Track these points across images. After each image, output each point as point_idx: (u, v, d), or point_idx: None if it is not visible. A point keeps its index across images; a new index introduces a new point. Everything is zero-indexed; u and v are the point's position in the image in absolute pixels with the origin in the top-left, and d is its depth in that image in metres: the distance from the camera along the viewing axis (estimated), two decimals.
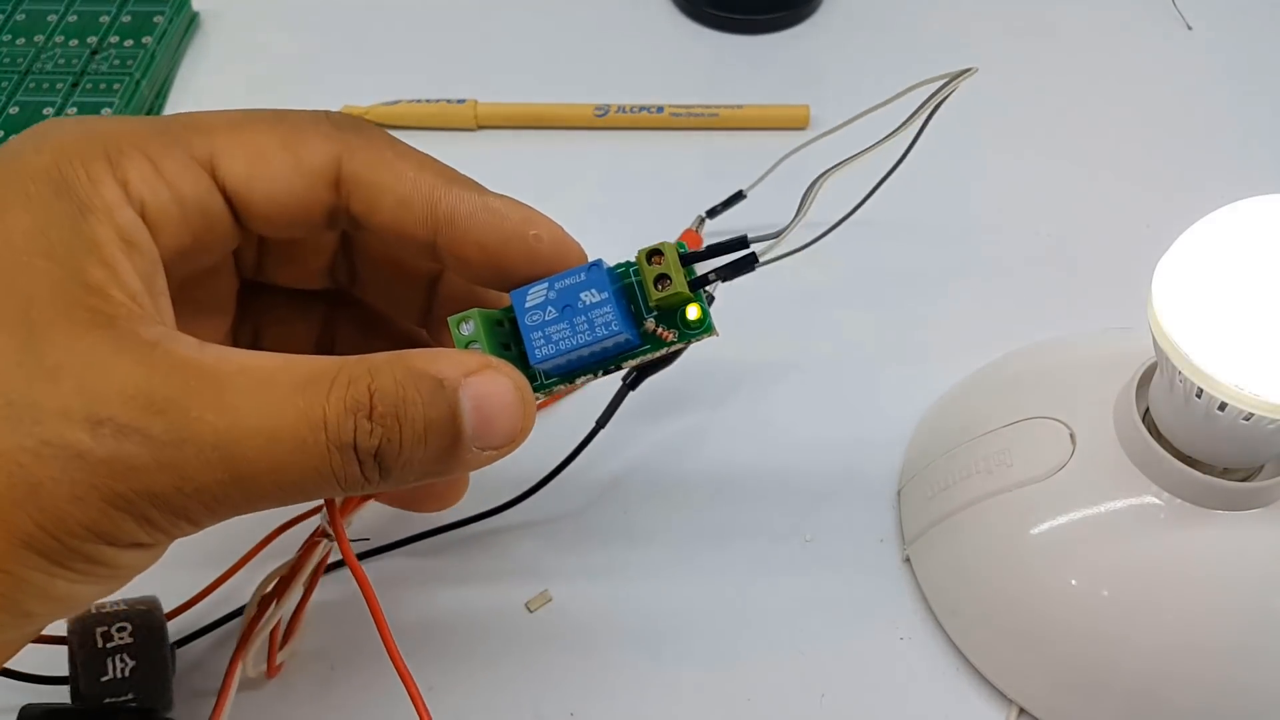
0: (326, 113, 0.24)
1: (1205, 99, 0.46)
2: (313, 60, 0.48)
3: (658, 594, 0.32)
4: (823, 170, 0.23)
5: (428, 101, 0.45)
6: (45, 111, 0.44)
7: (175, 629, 0.30)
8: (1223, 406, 0.25)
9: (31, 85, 0.45)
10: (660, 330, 0.23)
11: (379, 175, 0.23)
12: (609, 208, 0.43)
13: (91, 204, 0.20)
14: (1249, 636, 0.28)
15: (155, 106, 0.46)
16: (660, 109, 0.45)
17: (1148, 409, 0.28)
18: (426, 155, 0.24)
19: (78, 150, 0.21)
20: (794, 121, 0.45)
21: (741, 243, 0.23)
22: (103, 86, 0.45)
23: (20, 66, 0.46)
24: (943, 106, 0.25)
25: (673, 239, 0.39)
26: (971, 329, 0.38)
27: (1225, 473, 0.27)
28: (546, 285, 0.22)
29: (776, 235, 0.23)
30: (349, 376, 0.20)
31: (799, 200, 0.23)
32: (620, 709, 0.30)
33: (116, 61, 0.46)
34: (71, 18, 0.48)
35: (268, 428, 0.19)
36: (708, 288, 0.23)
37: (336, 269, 0.27)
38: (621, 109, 0.45)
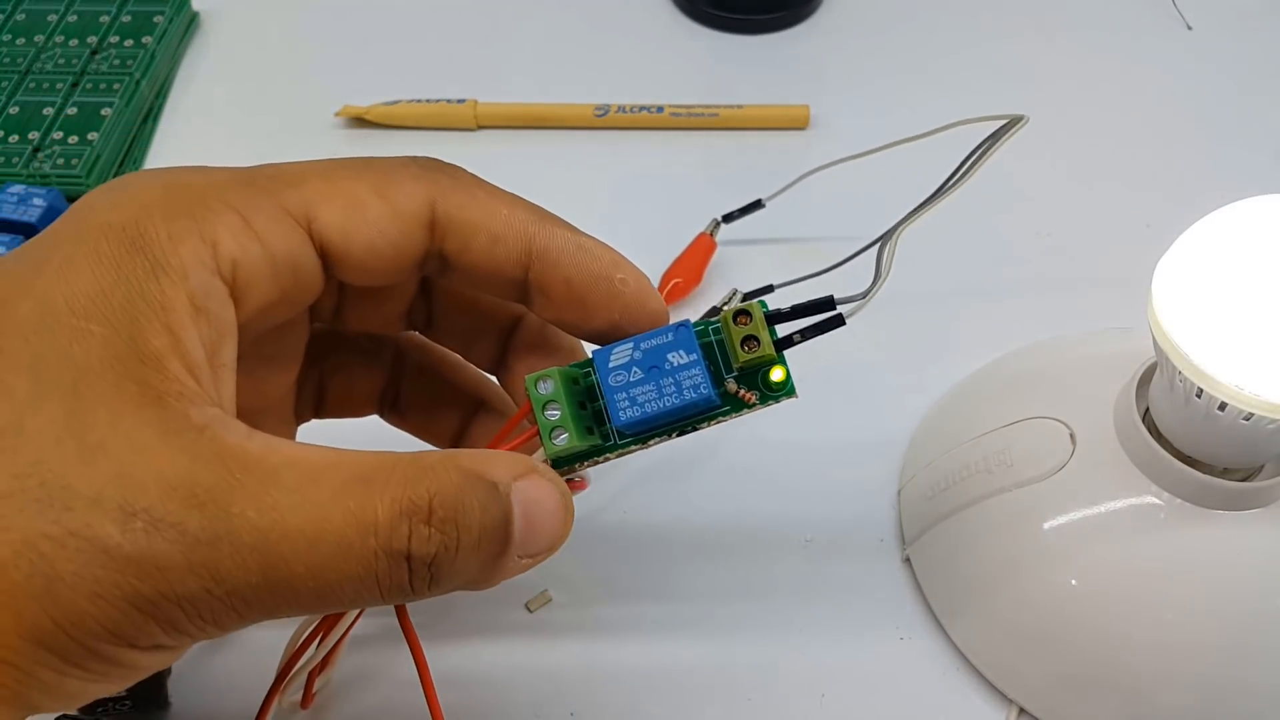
0: (412, 158, 0.23)
1: (1205, 99, 0.46)
2: (313, 60, 0.48)
3: (657, 594, 0.32)
4: (895, 223, 0.23)
5: (428, 101, 0.45)
6: (45, 112, 0.44)
7: None
8: (1223, 406, 0.25)
9: (31, 85, 0.45)
10: (742, 392, 0.22)
11: (473, 214, 0.23)
12: (609, 208, 0.43)
13: (167, 264, 0.19)
14: (1249, 636, 0.28)
15: (155, 107, 0.46)
16: (660, 109, 0.45)
17: (1148, 409, 0.28)
18: (513, 193, 0.24)
19: (160, 206, 0.20)
20: (794, 121, 0.45)
21: (828, 303, 0.22)
22: (103, 86, 0.45)
23: (20, 66, 0.46)
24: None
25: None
26: (971, 329, 0.38)
27: (1225, 473, 0.27)
28: (631, 345, 0.22)
29: (862, 297, 0.22)
30: (404, 477, 0.19)
31: (878, 255, 0.22)
32: (620, 709, 0.30)
33: (116, 61, 0.46)
34: (71, 18, 0.48)
35: (311, 530, 0.18)
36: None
37: (414, 314, 0.27)
38: (621, 109, 0.45)
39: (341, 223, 0.22)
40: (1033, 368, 0.35)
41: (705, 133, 0.45)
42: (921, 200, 0.23)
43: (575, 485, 0.24)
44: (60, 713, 0.20)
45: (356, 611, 0.26)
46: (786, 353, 0.22)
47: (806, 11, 0.50)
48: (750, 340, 0.22)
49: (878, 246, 0.23)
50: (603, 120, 0.45)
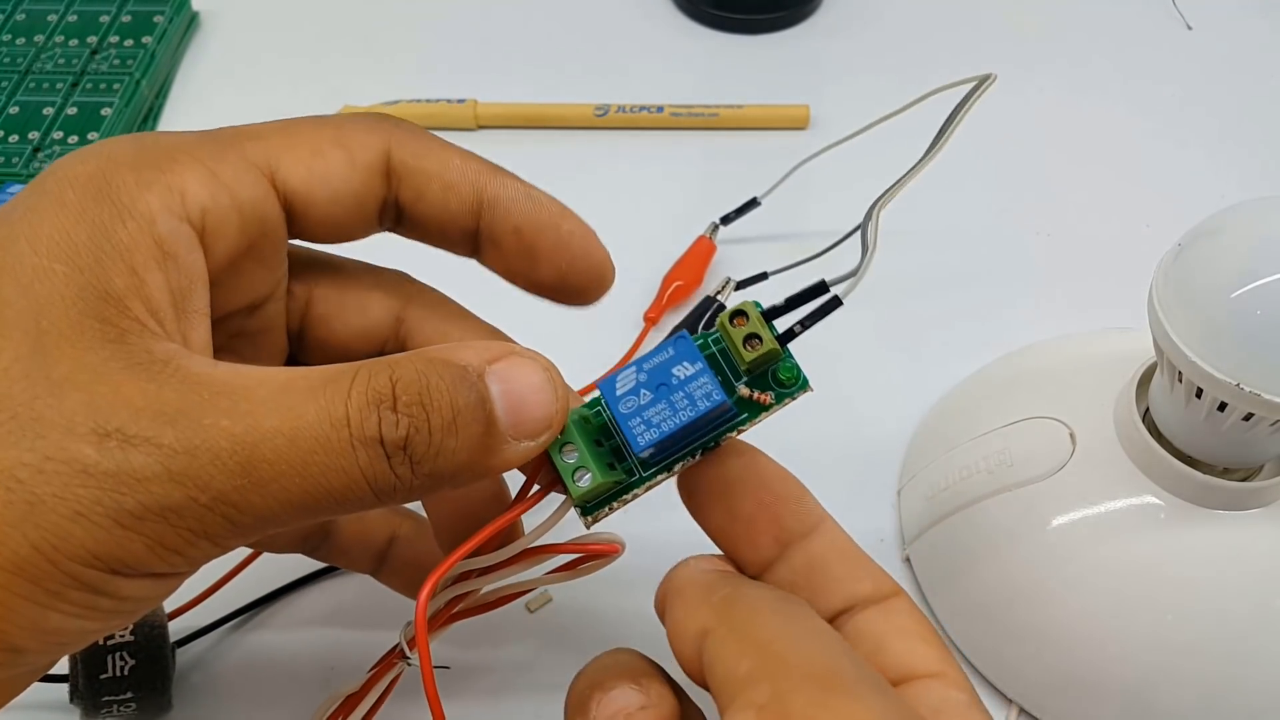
0: (367, 113, 0.24)
1: (1205, 99, 0.46)
2: (313, 60, 0.48)
3: None
4: (877, 197, 0.22)
5: (428, 101, 0.45)
6: (45, 112, 0.44)
7: (176, 629, 0.30)
8: (1223, 406, 0.25)
9: (31, 85, 0.45)
10: (756, 395, 0.22)
11: (427, 162, 0.23)
12: (609, 208, 0.42)
13: (133, 209, 0.20)
14: (1248, 636, 0.28)
15: (155, 107, 0.46)
16: (660, 109, 0.45)
17: (1148, 409, 0.28)
18: (467, 149, 0.24)
19: (128, 158, 0.21)
20: (794, 121, 0.45)
21: (821, 288, 0.22)
22: (103, 86, 0.45)
23: (20, 66, 0.46)
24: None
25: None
26: (972, 329, 0.38)
27: (1225, 473, 0.27)
28: (634, 369, 0.21)
29: (853, 274, 0.22)
30: (369, 373, 0.19)
31: (861, 230, 0.22)
32: None
33: (116, 61, 0.46)
34: (71, 18, 0.48)
35: (288, 429, 0.18)
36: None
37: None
38: (621, 109, 0.45)
39: (304, 172, 0.22)
40: (1033, 368, 0.35)
41: (705, 133, 0.45)
42: (904, 173, 0.23)
43: (608, 548, 0.23)
44: (50, 659, 0.20)
45: (379, 693, 0.26)
46: (791, 346, 0.22)
47: (806, 11, 0.50)
48: (752, 339, 0.22)
49: (862, 229, 0.22)
50: (603, 120, 0.45)
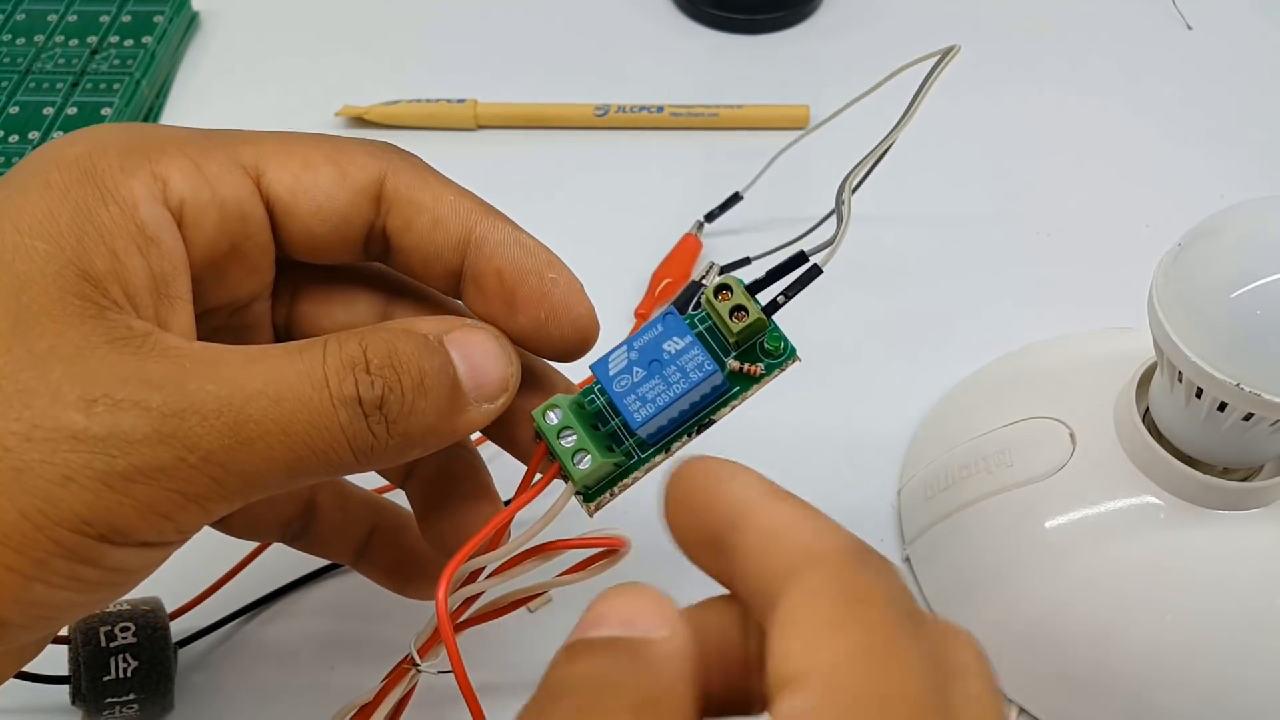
0: (372, 140, 0.24)
1: (1205, 99, 0.46)
2: (313, 60, 0.48)
3: None
4: (846, 173, 0.23)
5: (428, 101, 0.45)
6: (45, 112, 0.44)
7: (177, 630, 0.30)
8: (1223, 406, 0.25)
9: (31, 85, 0.45)
10: (746, 367, 0.22)
11: (419, 194, 0.23)
12: (608, 207, 0.43)
13: (116, 193, 0.20)
14: (1249, 636, 0.28)
15: (155, 106, 0.46)
16: (660, 109, 0.45)
17: (1148, 409, 0.28)
18: (463, 187, 0.24)
19: (116, 144, 0.21)
20: (794, 121, 0.45)
21: (801, 258, 0.22)
22: (103, 86, 0.45)
23: (20, 66, 0.46)
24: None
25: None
26: (972, 329, 0.38)
27: (1225, 473, 0.27)
28: (625, 348, 0.22)
29: (830, 244, 0.22)
30: (339, 341, 0.20)
31: (835, 207, 0.22)
32: None
33: (116, 61, 0.46)
34: (71, 18, 0.48)
35: (271, 390, 0.19)
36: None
37: None
38: (621, 109, 0.45)
39: (291, 181, 0.22)
40: (1033, 368, 0.35)
41: (705, 133, 0.45)
42: (871, 148, 0.23)
43: (615, 541, 0.23)
44: (29, 637, 0.20)
45: (395, 703, 0.26)
46: (793, 344, 0.22)
47: (806, 11, 0.50)
48: (738, 311, 0.22)
49: (837, 198, 0.23)
50: (603, 120, 0.45)
